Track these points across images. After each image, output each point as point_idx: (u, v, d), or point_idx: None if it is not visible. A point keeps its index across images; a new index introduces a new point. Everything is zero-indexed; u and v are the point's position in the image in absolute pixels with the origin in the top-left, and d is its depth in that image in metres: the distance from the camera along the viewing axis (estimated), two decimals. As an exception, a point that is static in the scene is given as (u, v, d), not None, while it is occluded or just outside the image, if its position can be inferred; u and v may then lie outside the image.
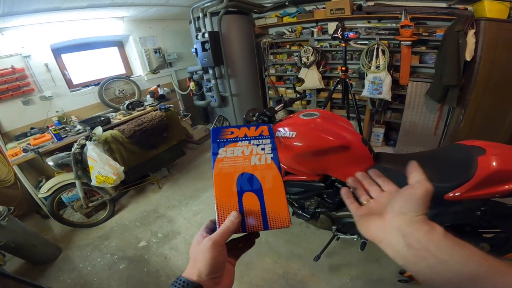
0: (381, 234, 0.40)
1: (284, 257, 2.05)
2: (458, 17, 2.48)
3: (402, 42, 2.83)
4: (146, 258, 2.23)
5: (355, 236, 1.66)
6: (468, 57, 2.47)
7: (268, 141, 0.49)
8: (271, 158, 0.47)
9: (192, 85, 4.15)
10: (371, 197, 0.48)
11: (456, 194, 1.11)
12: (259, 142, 0.49)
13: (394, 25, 3.00)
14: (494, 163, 1.05)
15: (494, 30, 2.37)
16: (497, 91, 2.54)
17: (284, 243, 2.17)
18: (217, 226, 0.42)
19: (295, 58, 3.80)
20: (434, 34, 2.78)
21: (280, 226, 0.42)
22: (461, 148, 1.24)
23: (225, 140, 0.49)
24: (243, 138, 0.49)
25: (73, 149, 2.45)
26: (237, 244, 0.47)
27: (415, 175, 0.41)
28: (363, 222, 0.44)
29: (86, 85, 3.62)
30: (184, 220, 2.63)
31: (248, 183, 0.45)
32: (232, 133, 0.50)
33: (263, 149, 0.48)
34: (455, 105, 2.74)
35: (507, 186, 1.04)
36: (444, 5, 2.84)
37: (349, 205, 0.50)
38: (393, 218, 0.39)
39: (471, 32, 2.42)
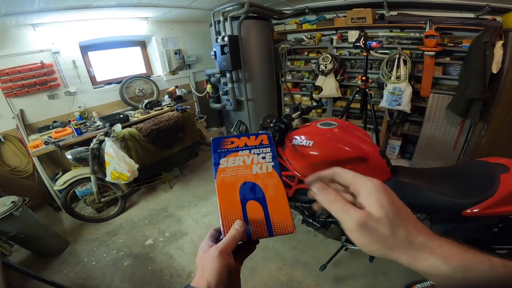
0: None
1: (289, 264, 2.03)
2: (486, 28, 2.40)
3: (425, 52, 2.77)
4: (151, 256, 2.26)
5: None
6: (494, 70, 2.38)
7: (268, 149, 0.50)
8: (272, 166, 0.48)
9: (209, 87, 4.20)
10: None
11: (475, 210, 1.10)
12: (259, 151, 0.49)
13: (417, 34, 2.93)
14: None
15: (524, 42, 2.27)
16: (523, 107, 2.42)
17: (290, 249, 2.14)
18: (222, 235, 0.43)
19: (313, 65, 3.78)
20: (460, 45, 2.70)
21: (284, 232, 0.43)
22: (484, 165, 1.23)
23: (225, 150, 0.49)
24: (244, 148, 0.50)
25: (92, 144, 2.53)
26: (239, 250, 0.46)
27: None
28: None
29: (108, 82, 3.75)
30: (192, 221, 2.65)
31: (251, 191, 0.45)
32: (232, 143, 0.50)
33: (263, 158, 0.49)
34: (477, 120, 2.64)
35: None
36: (472, 15, 2.76)
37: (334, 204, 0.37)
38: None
39: (499, 44, 2.34)
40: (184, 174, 3.61)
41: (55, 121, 3.10)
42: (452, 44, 2.76)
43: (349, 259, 2.01)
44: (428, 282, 1.55)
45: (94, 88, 3.51)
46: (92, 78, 3.55)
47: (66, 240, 2.49)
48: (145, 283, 2.01)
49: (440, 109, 2.89)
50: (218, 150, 0.49)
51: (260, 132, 0.54)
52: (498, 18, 2.56)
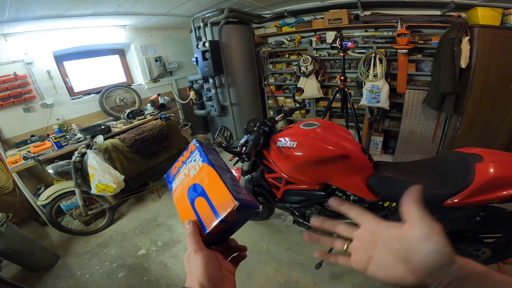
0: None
1: (285, 265, 2.04)
2: (452, 25, 2.53)
3: (398, 50, 2.89)
4: (145, 266, 2.22)
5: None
6: (463, 64, 2.51)
7: (196, 151, 0.53)
8: (202, 161, 0.50)
9: (192, 94, 4.18)
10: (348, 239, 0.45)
11: (455, 200, 1.13)
12: (191, 159, 0.53)
13: (390, 33, 3.07)
14: (491, 170, 1.08)
15: (488, 37, 2.42)
16: (493, 98, 2.57)
17: (285, 251, 2.16)
18: None
19: (294, 67, 3.85)
20: (430, 42, 2.84)
21: (227, 208, 0.42)
22: (459, 155, 1.27)
23: (173, 176, 0.55)
24: (182, 165, 0.54)
25: (73, 157, 2.46)
26: (230, 254, 0.49)
27: (412, 212, 0.37)
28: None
29: (87, 93, 3.65)
30: (184, 228, 2.61)
31: (194, 191, 0.48)
32: (175, 167, 0.55)
33: (195, 160, 0.52)
34: (452, 113, 2.78)
35: (505, 192, 1.06)
36: (438, 12, 2.92)
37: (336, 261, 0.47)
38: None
39: (465, 39, 2.47)
40: (171, 182, 3.56)
41: (32, 135, 2.98)
42: (422, 42, 2.90)
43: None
44: None
45: (72, 99, 3.41)
46: (69, 89, 3.44)
47: (56, 254, 2.42)
48: (142, 294, 1.97)
49: (416, 104, 3.03)
50: (169, 180, 0.55)
51: (188, 144, 0.57)
52: (463, 15, 2.72)
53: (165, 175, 0.56)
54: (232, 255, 0.49)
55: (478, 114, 2.68)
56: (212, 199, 0.44)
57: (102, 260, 2.33)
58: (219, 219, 0.42)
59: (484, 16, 2.43)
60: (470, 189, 1.09)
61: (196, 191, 0.47)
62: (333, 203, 0.47)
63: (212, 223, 0.43)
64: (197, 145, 0.54)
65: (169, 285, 2.01)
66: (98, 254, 2.41)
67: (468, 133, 2.78)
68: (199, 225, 0.44)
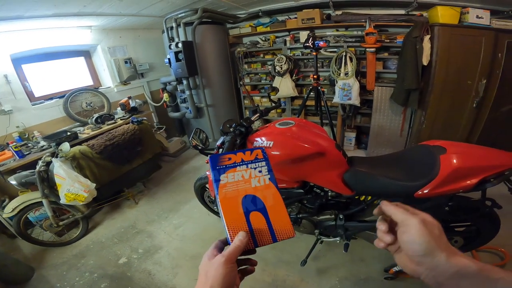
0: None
1: (271, 264, 2.06)
2: (415, 24, 2.69)
3: (367, 49, 3.03)
4: (128, 275, 2.12)
5: (337, 239, 1.72)
6: (425, 62, 2.68)
7: (264, 163, 0.54)
8: (269, 179, 0.52)
9: (165, 96, 4.05)
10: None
11: (425, 191, 1.19)
12: (255, 165, 0.54)
13: (359, 32, 3.20)
14: (454, 161, 1.14)
15: (447, 35, 2.58)
16: (453, 93, 2.77)
17: (270, 249, 2.17)
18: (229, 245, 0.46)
19: (269, 67, 3.89)
20: (395, 41, 3.00)
21: (286, 237, 0.47)
22: (424, 148, 1.34)
23: (224, 166, 0.53)
24: (241, 163, 0.53)
25: (37, 167, 2.28)
26: (239, 266, 0.49)
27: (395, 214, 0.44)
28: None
29: (49, 97, 3.39)
30: (165, 234, 2.54)
31: (252, 203, 0.49)
32: (230, 159, 0.54)
33: (260, 171, 0.53)
34: (416, 108, 2.96)
35: (468, 182, 1.13)
36: (403, 12, 3.08)
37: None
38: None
39: (426, 38, 2.63)
40: (148, 188, 3.43)
41: (-11, 145, 2.72)
42: (388, 40, 3.06)
43: (327, 251, 2.10)
44: None
45: (33, 105, 3.15)
46: (29, 94, 3.18)
47: (31, 267, 2.25)
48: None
49: (384, 101, 3.19)
50: (217, 167, 0.52)
51: (255, 147, 0.57)
52: (425, 14, 2.89)
53: (209, 157, 0.54)
54: (240, 267, 0.50)
55: (440, 108, 2.87)
56: (273, 222, 0.48)
57: (81, 271, 2.21)
58: (274, 241, 0.47)
59: (444, 15, 2.58)
60: (437, 180, 1.15)
61: (256, 205, 0.49)
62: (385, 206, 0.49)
63: (266, 242, 0.47)
64: (266, 156, 0.56)
65: (155, 293, 1.94)
66: (76, 265, 2.28)
67: (432, 127, 2.97)
68: (250, 238, 0.46)
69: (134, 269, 2.18)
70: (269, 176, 0.53)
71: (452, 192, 1.17)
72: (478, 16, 2.47)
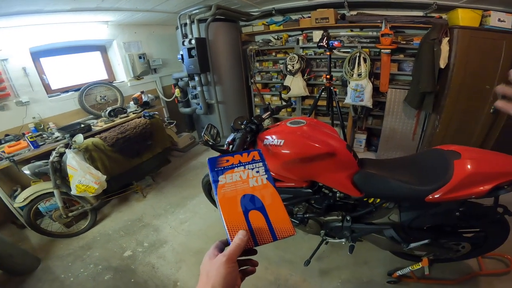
0: None
1: (274, 263, 2.05)
2: (434, 26, 2.63)
3: (382, 50, 2.97)
4: (132, 268, 2.16)
5: (343, 240, 1.70)
6: (442, 65, 2.61)
7: (261, 164, 0.56)
8: (266, 178, 0.54)
9: (177, 92, 4.10)
10: None
11: (436, 196, 1.16)
12: (253, 166, 0.55)
13: (375, 33, 3.14)
14: (469, 166, 1.11)
15: (467, 38, 2.51)
16: (469, 97, 2.69)
17: (273, 249, 2.16)
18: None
19: (281, 65, 3.87)
20: (412, 42, 2.93)
21: (286, 235, 0.48)
22: (438, 152, 1.31)
23: (222, 168, 0.54)
24: (238, 165, 0.55)
25: (51, 158, 2.34)
26: (241, 266, 0.49)
27: None
28: None
29: (65, 90, 3.49)
30: (170, 228, 2.57)
31: (251, 202, 0.50)
32: (228, 161, 0.55)
33: (257, 172, 0.55)
34: (431, 111, 2.89)
35: (481, 188, 1.10)
36: (421, 13, 3.01)
37: None
38: None
39: (445, 40, 2.56)
40: (157, 182, 3.48)
41: (7, 135, 2.81)
42: (404, 42, 3.00)
43: (331, 252, 2.09)
44: (408, 269, 1.66)
45: (49, 97, 3.24)
46: (46, 86, 3.27)
47: (37, 258, 2.31)
48: (130, 296, 1.92)
49: (398, 103, 3.12)
50: (216, 169, 0.54)
51: (251, 149, 0.59)
52: (444, 16, 2.82)
53: (207, 159, 0.56)
54: (241, 268, 0.49)
55: (455, 113, 2.79)
56: (272, 220, 0.49)
57: (86, 263, 2.25)
58: (275, 240, 0.47)
59: (464, 17, 2.50)
60: (450, 185, 1.13)
61: (254, 204, 0.50)
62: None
63: (266, 240, 0.47)
64: (263, 157, 0.57)
65: (157, 286, 1.97)
66: (81, 257, 2.33)
67: (446, 131, 2.89)
68: (249, 237, 0.46)
69: (138, 262, 2.21)
70: (266, 176, 0.54)
71: (464, 197, 1.15)
72: (500, 20, 2.39)
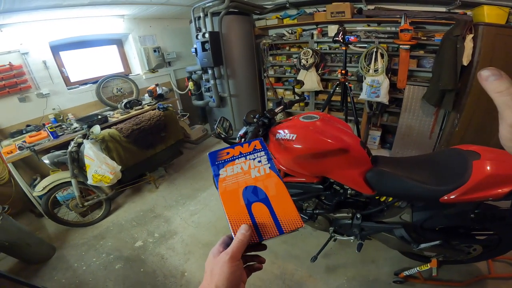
0: None
1: (281, 257, 2.06)
2: (457, 22, 2.51)
3: (400, 46, 2.87)
4: (142, 258, 2.22)
5: (351, 237, 1.68)
6: (465, 62, 2.49)
7: (263, 153, 0.52)
8: (269, 167, 0.50)
9: (190, 84, 4.14)
10: None
11: (451, 197, 1.12)
12: (254, 156, 0.52)
13: (393, 28, 3.03)
14: (488, 168, 1.07)
15: (492, 35, 2.39)
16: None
17: (281, 243, 2.17)
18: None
19: (294, 60, 3.82)
20: (433, 39, 2.81)
21: (294, 228, 0.44)
22: (457, 152, 1.26)
23: (223, 161, 0.52)
24: (239, 156, 0.52)
25: (69, 148, 2.43)
26: (246, 262, 0.48)
27: None
28: None
29: (83, 83, 3.60)
30: (181, 220, 2.63)
31: (254, 194, 0.47)
32: (228, 153, 0.53)
33: (259, 161, 0.51)
34: (450, 110, 2.78)
35: (500, 190, 1.05)
36: (443, 9, 2.88)
37: None
38: None
39: (469, 37, 2.45)
40: (169, 173, 3.55)
41: (28, 125, 2.94)
42: (425, 38, 2.87)
43: (339, 249, 2.07)
44: (416, 269, 1.63)
45: (69, 89, 3.36)
46: (66, 79, 3.39)
47: (53, 246, 2.41)
48: (139, 285, 1.98)
49: (415, 100, 3.02)
50: (216, 162, 0.52)
51: (252, 139, 0.55)
52: (469, 12, 2.68)
53: (208, 154, 0.54)
54: (248, 264, 0.48)
55: (476, 112, 2.67)
56: (277, 212, 0.45)
57: (99, 252, 2.34)
58: (282, 234, 0.43)
59: (490, 14, 2.40)
60: (467, 186, 1.08)
61: (257, 195, 0.47)
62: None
63: (271, 234, 0.43)
64: (264, 145, 0.54)
65: (166, 276, 2.02)
66: (95, 246, 2.42)
67: (466, 130, 2.78)
68: (253, 231, 0.43)
69: (148, 252, 2.28)
70: (269, 165, 0.51)
71: (480, 199, 1.10)
72: (529, 16, 2.25)
